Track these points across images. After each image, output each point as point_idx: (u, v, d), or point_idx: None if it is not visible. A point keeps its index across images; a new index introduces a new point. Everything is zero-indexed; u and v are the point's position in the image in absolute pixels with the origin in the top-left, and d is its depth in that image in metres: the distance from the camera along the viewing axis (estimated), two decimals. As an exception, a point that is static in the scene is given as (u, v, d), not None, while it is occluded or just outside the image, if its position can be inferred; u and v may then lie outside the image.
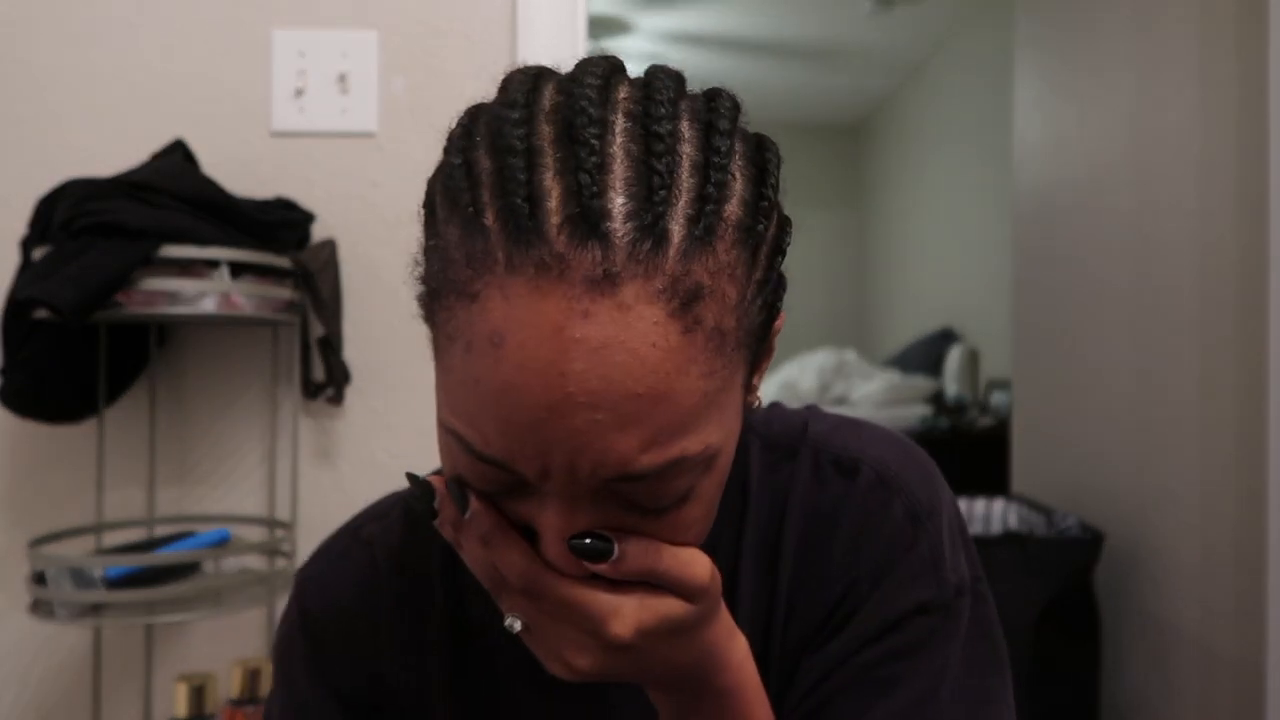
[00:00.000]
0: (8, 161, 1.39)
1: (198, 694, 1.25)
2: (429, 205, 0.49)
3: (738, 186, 0.46)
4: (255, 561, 1.37)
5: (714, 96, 0.49)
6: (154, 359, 1.38)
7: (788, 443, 0.61)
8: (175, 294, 1.16)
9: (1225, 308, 1.90)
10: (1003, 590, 2.25)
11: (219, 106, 1.39)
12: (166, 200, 1.17)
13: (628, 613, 0.47)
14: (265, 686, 1.28)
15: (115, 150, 1.38)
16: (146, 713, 1.38)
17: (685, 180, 0.44)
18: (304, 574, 0.66)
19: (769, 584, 0.60)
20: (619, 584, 0.47)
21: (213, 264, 1.18)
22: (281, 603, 1.38)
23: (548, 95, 0.46)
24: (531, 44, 1.39)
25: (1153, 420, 2.15)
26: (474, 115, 0.48)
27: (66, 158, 1.38)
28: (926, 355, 5.19)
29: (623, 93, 0.46)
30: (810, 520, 0.59)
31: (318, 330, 1.35)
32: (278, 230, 1.27)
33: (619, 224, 0.42)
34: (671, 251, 0.42)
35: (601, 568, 0.46)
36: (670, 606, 0.48)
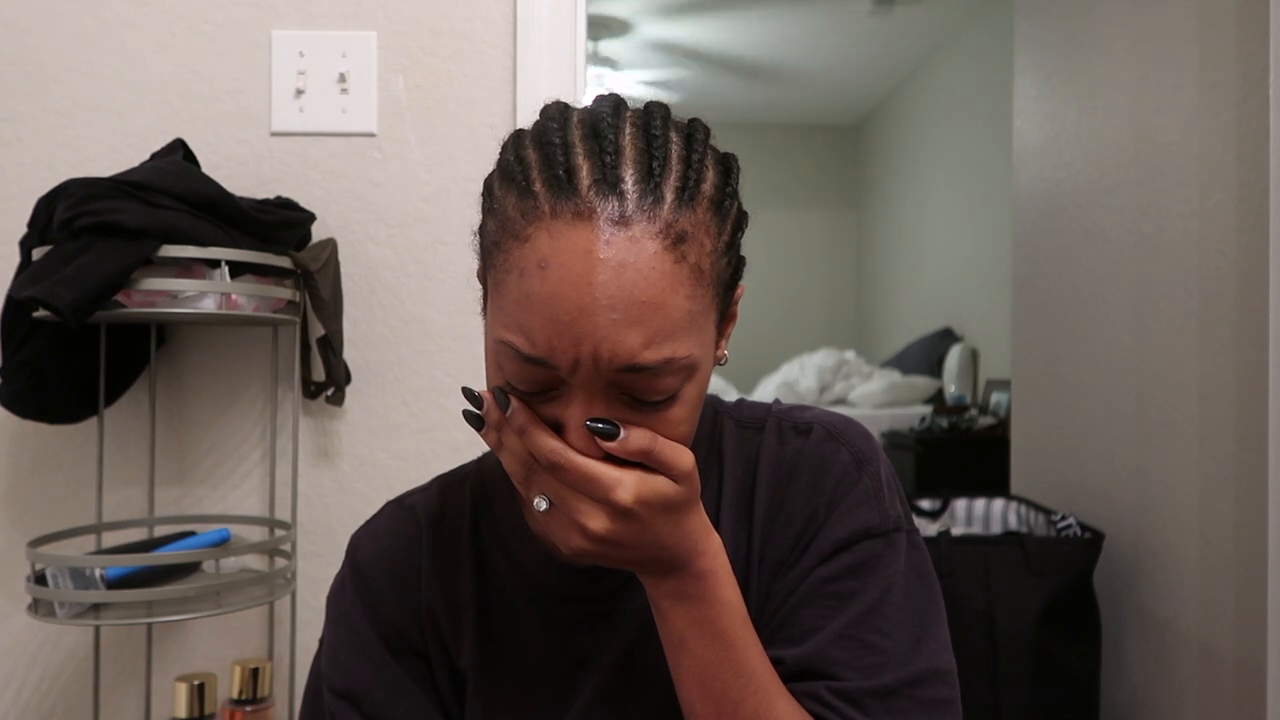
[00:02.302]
0: (8, 161, 1.39)
1: (198, 694, 1.25)
2: (487, 190, 0.66)
3: (710, 175, 0.64)
4: (255, 561, 1.37)
5: (692, 121, 0.67)
6: (154, 359, 1.38)
7: (756, 421, 0.78)
8: (175, 294, 1.16)
9: (1225, 308, 1.90)
10: (1003, 590, 2.25)
11: (219, 106, 1.39)
12: (166, 200, 1.17)
13: (630, 483, 0.61)
14: (265, 686, 1.28)
15: (115, 150, 1.38)
16: (146, 713, 1.38)
17: (674, 166, 0.62)
18: (355, 535, 0.81)
19: (745, 530, 0.74)
20: (624, 464, 0.62)
21: (213, 264, 1.18)
22: (282, 602, 1.38)
23: (575, 114, 0.65)
24: (531, 44, 1.39)
25: (1153, 420, 2.15)
26: (520, 132, 0.66)
27: (66, 158, 1.38)
28: (926, 355, 5.18)
29: (629, 112, 0.65)
30: (775, 472, 0.75)
31: (318, 330, 1.35)
32: (278, 230, 1.27)
33: (630, 186, 0.60)
34: (666, 206, 0.60)
35: (610, 446, 0.61)
36: (662, 483, 0.62)
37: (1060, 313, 2.63)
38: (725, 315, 0.67)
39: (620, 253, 0.58)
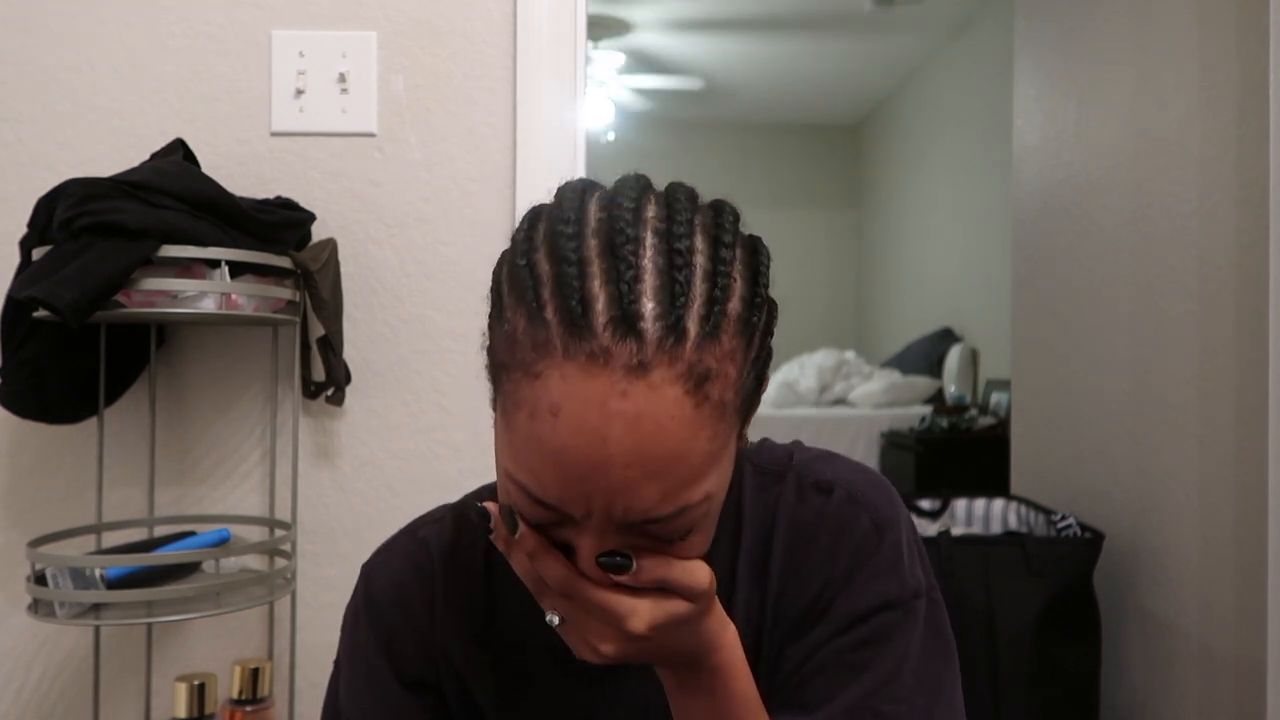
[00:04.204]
0: (8, 161, 1.39)
1: (198, 694, 1.25)
2: (495, 290, 0.62)
3: (738, 287, 0.59)
4: (255, 561, 1.37)
5: (719, 211, 0.62)
6: (154, 359, 1.38)
7: (775, 468, 0.75)
8: (175, 294, 1.16)
9: (1225, 308, 1.90)
10: (1003, 590, 2.25)
11: (219, 106, 1.39)
12: (166, 200, 1.17)
13: (643, 612, 0.60)
14: (265, 686, 1.28)
15: (115, 150, 1.38)
16: (146, 713, 1.38)
17: (699, 286, 0.57)
18: (368, 565, 0.79)
19: (760, 586, 0.72)
20: (636, 589, 0.60)
21: (213, 264, 1.18)
22: (282, 602, 1.38)
23: (593, 212, 0.59)
24: (531, 44, 1.39)
25: (1153, 420, 2.15)
26: (534, 221, 0.61)
27: (66, 158, 1.38)
28: (926, 355, 5.19)
29: (650, 211, 0.59)
30: (794, 531, 0.72)
31: (318, 330, 1.35)
32: (278, 230, 1.27)
33: (650, 324, 0.55)
34: (689, 344, 0.55)
35: (623, 579, 0.59)
36: (677, 606, 0.61)
37: (1060, 313, 2.63)
38: (750, 415, 0.64)
39: (637, 404, 0.54)
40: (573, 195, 0.61)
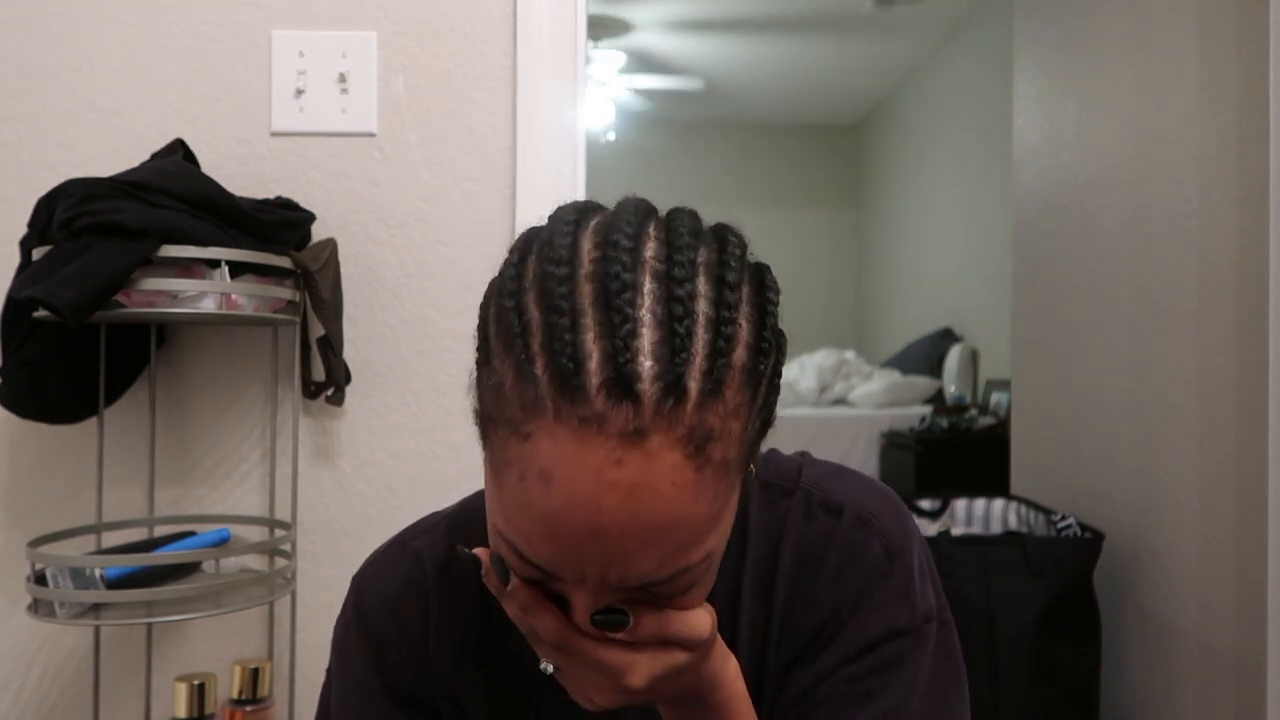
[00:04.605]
0: (8, 161, 1.39)
1: (198, 694, 1.25)
2: (482, 330, 0.58)
3: (743, 334, 0.55)
4: (255, 561, 1.37)
5: (724, 243, 0.57)
6: (154, 359, 1.38)
7: (782, 484, 0.72)
8: (175, 294, 1.16)
9: (1225, 308, 1.90)
10: (1003, 590, 2.25)
11: (219, 106, 1.39)
12: (166, 200, 1.17)
13: (641, 667, 0.58)
14: (265, 687, 1.28)
15: (115, 150, 1.38)
16: (146, 713, 1.38)
17: (701, 337, 0.53)
18: (359, 577, 0.76)
19: (765, 606, 0.70)
20: (635, 642, 0.58)
21: (213, 264, 1.18)
22: (282, 602, 1.38)
23: (587, 250, 0.54)
24: (531, 44, 1.39)
25: (1153, 421, 2.15)
26: (524, 252, 0.57)
27: (66, 158, 1.38)
28: (926, 355, 5.19)
29: (649, 250, 0.55)
30: (801, 553, 0.70)
31: (318, 330, 1.35)
32: (278, 230, 1.27)
33: (647, 385, 0.51)
34: (689, 405, 0.52)
35: (620, 636, 0.57)
36: (676, 657, 0.59)
37: (1060, 312, 2.63)
38: (755, 456, 0.61)
39: (634, 472, 0.51)
40: (566, 227, 0.56)
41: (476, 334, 0.59)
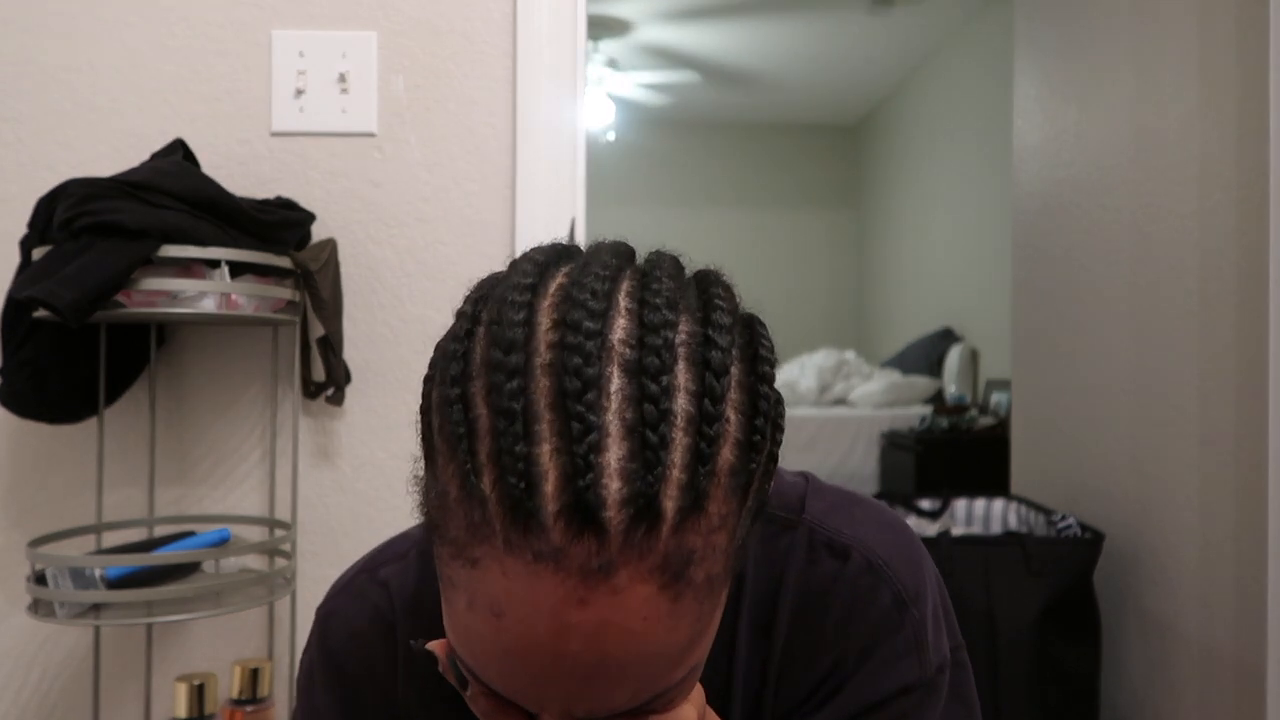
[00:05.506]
0: (8, 161, 1.39)
1: (198, 694, 1.25)
2: (425, 417, 0.50)
3: (732, 428, 0.47)
4: (255, 561, 1.37)
5: (708, 304, 0.49)
6: (154, 359, 1.38)
7: (785, 516, 0.64)
8: (175, 293, 1.16)
9: (1225, 308, 1.90)
10: (1003, 590, 2.25)
11: (219, 106, 1.40)
12: (166, 200, 1.17)
13: None
14: (265, 686, 1.28)
15: (115, 150, 1.38)
16: (146, 713, 1.38)
17: (679, 443, 0.44)
18: (324, 610, 0.69)
19: (764, 646, 0.64)
20: None
21: (213, 264, 1.18)
22: (282, 602, 1.38)
23: (544, 331, 0.46)
24: (531, 44, 1.39)
25: (1153, 420, 2.15)
26: (473, 320, 0.48)
27: (66, 158, 1.38)
28: (926, 355, 5.19)
29: (618, 330, 0.46)
30: (803, 596, 0.63)
31: (318, 330, 1.35)
32: (278, 230, 1.27)
33: (614, 512, 0.43)
34: (664, 530, 0.44)
35: None
36: None
37: (1060, 313, 2.63)
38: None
39: (600, 612, 0.43)
40: (521, 296, 0.47)
41: (419, 416, 0.51)
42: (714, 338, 0.47)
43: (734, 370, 0.47)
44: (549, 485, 0.43)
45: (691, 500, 0.44)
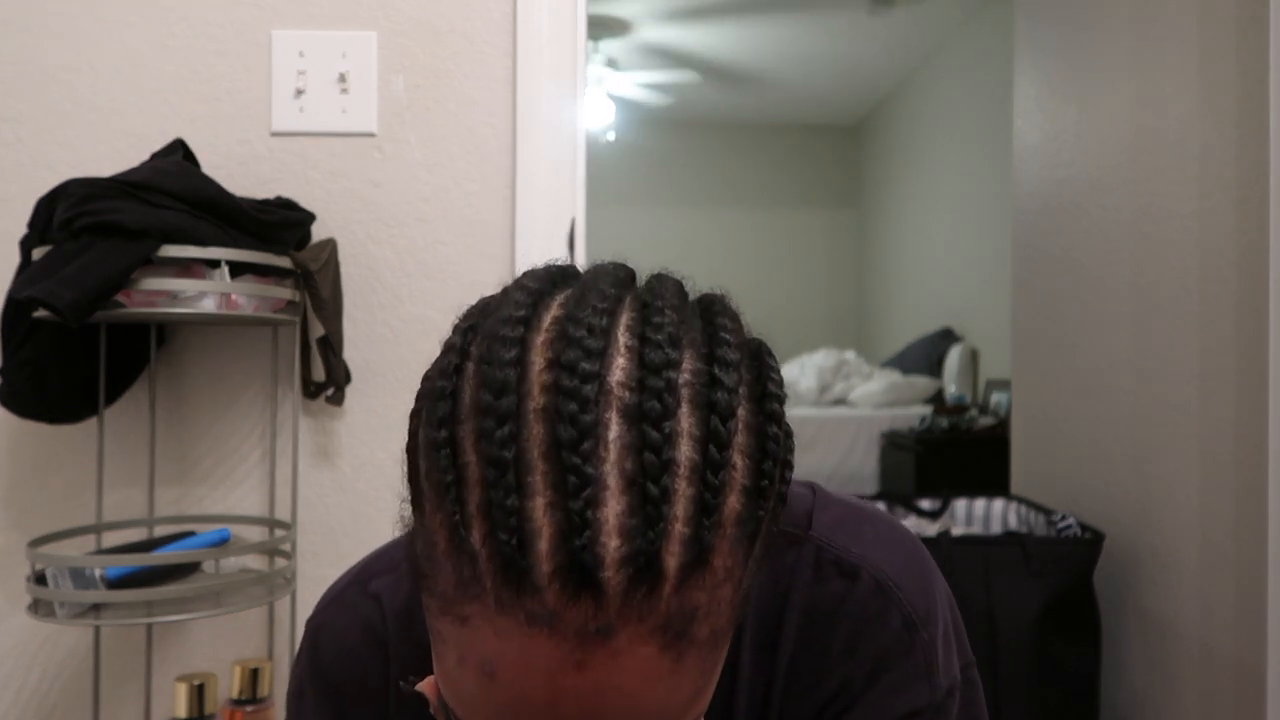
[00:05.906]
0: (8, 161, 1.39)
1: (198, 694, 1.25)
2: (411, 459, 0.47)
3: (738, 475, 0.44)
4: (255, 561, 1.37)
5: (714, 337, 0.46)
6: (154, 359, 1.38)
7: (790, 529, 0.62)
8: (175, 293, 1.16)
9: (1225, 308, 1.90)
10: (1003, 590, 2.25)
11: (219, 106, 1.40)
12: (166, 200, 1.17)
13: None
14: (265, 686, 1.28)
15: (115, 150, 1.38)
16: (146, 713, 1.38)
17: (682, 495, 0.42)
18: (314, 622, 0.68)
19: (769, 662, 0.61)
20: None
21: (213, 264, 1.18)
22: (282, 602, 1.38)
23: (537, 372, 0.43)
24: (531, 44, 1.39)
25: (1153, 420, 2.15)
26: (462, 356, 0.45)
27: (66, 158, 1.38)
28: (926, 355, 5.19)
29: (617, 371, 0.43)
30: (809, 615, 0.61)
31: (318, 330, 1.35)
32: (278, 230, 1.27)
33: (612, 573, 0.40)
34: (666, 589, 0.41)
35: None
36: None
37: (1060, 313, 2.63)
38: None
39: (597, 675, 0.41)
40: (514, 330, 0.44)
41: (405, 457, 0.48)
42: (720, 377, 0.44)
43: (741, 412, 0.44)
44: (543, 543, 0.40)
45: (695, 555, 0.42)
